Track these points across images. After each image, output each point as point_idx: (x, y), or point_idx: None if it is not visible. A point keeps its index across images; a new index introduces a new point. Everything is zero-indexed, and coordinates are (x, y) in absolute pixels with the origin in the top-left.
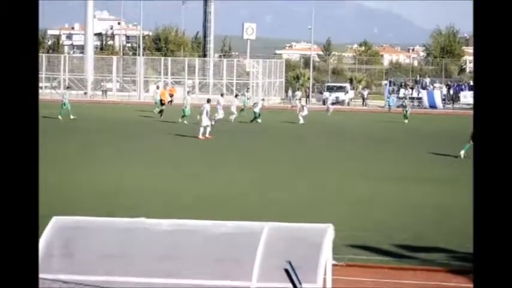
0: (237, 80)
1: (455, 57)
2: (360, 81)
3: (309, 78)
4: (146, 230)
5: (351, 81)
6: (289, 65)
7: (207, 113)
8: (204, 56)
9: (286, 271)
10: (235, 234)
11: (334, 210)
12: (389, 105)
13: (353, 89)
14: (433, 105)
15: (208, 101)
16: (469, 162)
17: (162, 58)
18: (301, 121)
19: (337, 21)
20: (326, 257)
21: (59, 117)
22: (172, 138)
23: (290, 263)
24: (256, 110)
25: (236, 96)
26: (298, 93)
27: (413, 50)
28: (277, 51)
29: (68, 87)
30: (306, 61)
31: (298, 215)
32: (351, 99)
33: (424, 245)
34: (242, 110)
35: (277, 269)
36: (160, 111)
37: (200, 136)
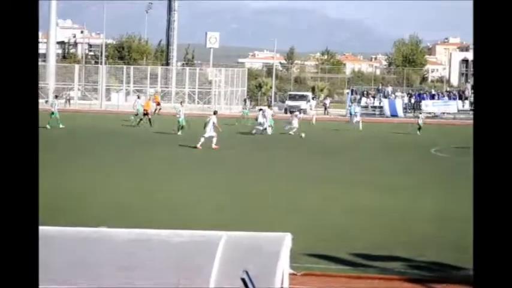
0: (199, 88)
1: (417, 66)
2: (322, 90)
3: (271, 87)
4: (105, 240)
5: (313, 90)
6: (252, 74)
7: (213, 124)
8: (167, 64)
9: (243, 280)
10: (192, 243)
11: (293, 219)
12: (350, 114)
13: (315, 97)
14: (394, 114)
15: (215, 112)
16: (425, 170)
17: (125, 66)
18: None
19: (300, 30)
20: (283, 266)
21: (47, 126)
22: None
23: (247, 272)
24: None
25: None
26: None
27: (375, 59)
28: (240, 60)
29: (56, 96)
30: (269, 70)
31: (256, 224)
32: (312, 108)
33: (382, 253)
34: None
35: (234, 278)
36: (140, 120)
37: (199, 146)
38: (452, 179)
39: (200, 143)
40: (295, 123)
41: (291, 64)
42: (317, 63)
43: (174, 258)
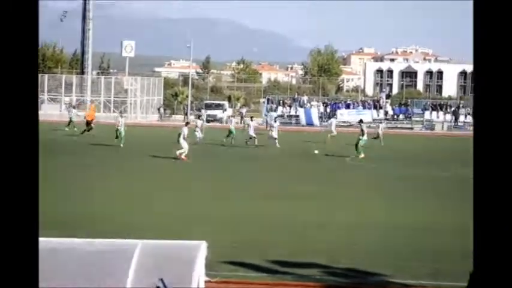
0: (114, 97)
1: (332, 76)
2: (238, 99)
3: (187, 96)
4: None
5: (229, 99)
6: (168, 83)
7: (184, 136)
8: (82, 73)
9: None
10: (108, 252)
11: (210, 227)
12: (266, 123)
13: (231, 106)
14: (310, 123)
15: (187, 124)
16: (340, 178)
17: (40, 75)
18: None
19: (217, 39)
20: (199, 274)
21: None
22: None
23: (162, 281)
24: (274, 134)
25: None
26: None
27: (291, 68)
28: (157, 69)
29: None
30: (185, 79)
31: (174, 233)
32: (228, 117)
33: (299, 260)
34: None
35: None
36: (84, 131)
37: (183, 156)
38: (367, 187)
39: (184, 154)
40: (275, 133)
41: (207, 73)
42: (233, 72)
43: (88, 267)
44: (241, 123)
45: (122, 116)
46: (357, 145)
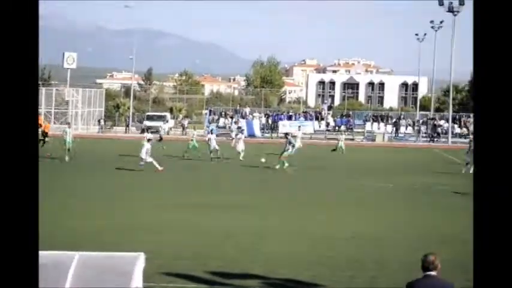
0: (55, 108)
1: (275, 87)
2: (180, 111)
3: (129, 108)
4: None
5: (171, 110)
6: (110, 94)
7: (147, 150)
8: None
9: None
10: (44, 265)
11: (151, 238)
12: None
13: (173, 118)
14: (252, 134)
15: (149, 140)
16: (279, 189)
17: None
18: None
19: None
20: (137, 285)
21: None
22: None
23: None
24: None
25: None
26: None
27: (234, 80)
28: (98, 81)
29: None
30: (127, 90)
31: (113, 244)
32: (170, 128)
33: (238, 271)
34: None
35: None
36: (43, 141)
37: (159, 168)
38: (306, 196)
39: (156, 165)
40: (241, 145)
41: (149, 85)
42: (175, 84)
43: None
44: (183, 134)
45: (69, 127)
46: (282, 154)
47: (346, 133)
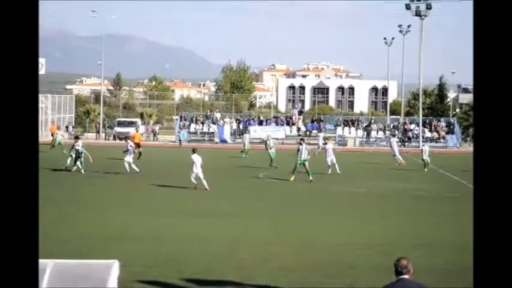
0: None
1: (245, 93)
2: (150, 116)
3: (99, 114)
4: None
5: (141, 116)
6: (80, 100)
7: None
8: None
9: None
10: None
11: (125, 246)
12: (179, 140)
13: (144, 123)
14: (223, 140)
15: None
16: (254, 195)
17: None
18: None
19: (128, 56)
20: None
21: None
22: None
23: None
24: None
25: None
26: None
27: (204, 85)
28: (68, 87)
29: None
30: (97, 96)
31: (87, 252)
32: (141, 134)
33: (213, 278)
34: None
35: None
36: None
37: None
38: (281, 202)
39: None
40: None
41: (119, 90)
42: (145, 89)
43: None
44: (153, 140)
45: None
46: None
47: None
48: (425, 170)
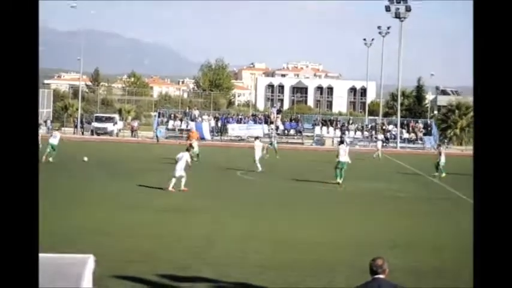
0: None
1: (224, 90)
2: (129, 112)
3: (77, 109)
4: None
5: (120, 112)
6: (58, 95)
7: None
8: None
9: None
10: None
11: (102, 240)
12: (157, 137)
13: (122, 119)
14: (201, 137)
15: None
16: (231, 192)
17: None
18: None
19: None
20: None
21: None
22: None
23: None
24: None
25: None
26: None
27: (183, 82)
28: (46, 81)
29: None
30: (75, 91)
31: (62, 246)
32: (119, 130)
33: (189, 275)
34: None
35: None
36: None
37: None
38: (258, 200)
39: None
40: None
41: (97, 86)
42: (124, 85)
43: None
44: (132, 136)
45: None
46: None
47: (296, 137)
48: (443, 175)
